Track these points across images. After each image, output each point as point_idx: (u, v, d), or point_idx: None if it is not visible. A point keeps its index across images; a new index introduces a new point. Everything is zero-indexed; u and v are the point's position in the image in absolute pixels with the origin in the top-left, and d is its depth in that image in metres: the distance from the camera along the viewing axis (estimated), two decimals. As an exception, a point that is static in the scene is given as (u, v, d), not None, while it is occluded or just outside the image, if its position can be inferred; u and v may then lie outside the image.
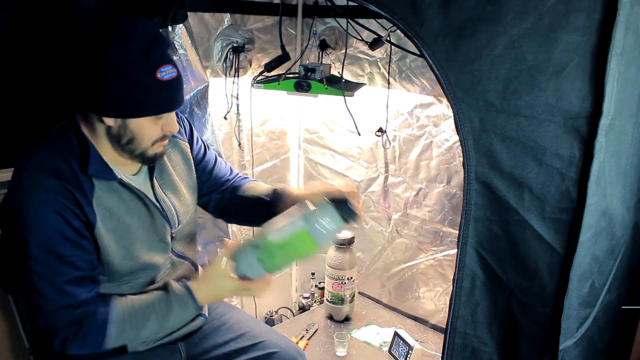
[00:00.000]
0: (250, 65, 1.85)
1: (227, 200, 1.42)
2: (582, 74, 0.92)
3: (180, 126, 1.32)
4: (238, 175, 1.47)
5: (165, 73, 1.04)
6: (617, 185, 1.03)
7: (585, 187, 0.95)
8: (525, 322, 1.06)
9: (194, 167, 1.34)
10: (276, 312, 2.22)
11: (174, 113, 1.13)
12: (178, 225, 1.26)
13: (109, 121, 1.06)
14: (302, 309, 2.21)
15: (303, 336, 1.92)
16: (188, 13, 1.51)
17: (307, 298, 2.23)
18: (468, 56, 0.97)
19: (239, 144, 1.97)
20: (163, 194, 1.23)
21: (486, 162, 1.00)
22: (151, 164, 1.19)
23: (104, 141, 1.10)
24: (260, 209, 1.34)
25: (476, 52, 0.96)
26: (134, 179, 1.18)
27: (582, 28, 0.90)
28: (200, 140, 1.39)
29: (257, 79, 1.81)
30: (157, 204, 1.20)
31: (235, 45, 1.73)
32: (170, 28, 1.48)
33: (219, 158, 1.44)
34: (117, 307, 1.11)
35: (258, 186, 1.41)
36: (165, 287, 1.16)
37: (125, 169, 1.16)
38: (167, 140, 1.15)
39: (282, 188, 1.36)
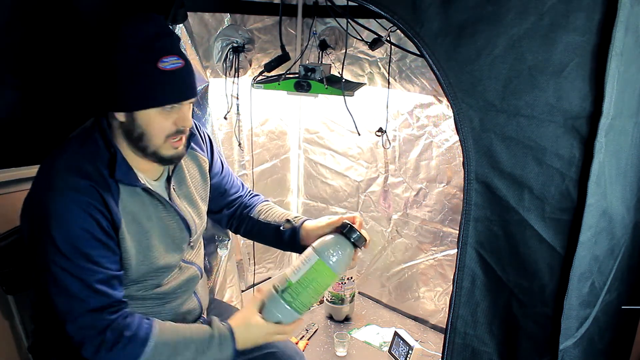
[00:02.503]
0: (250, 65, 1.85)
1: (238, 217, 1.45)
2: (582, 74, 0.92)
3: (202, 141, 1.34)
4: (249, 192, 1.49)
5: (168, 63, 1.03)
6: (617, 185, 1.03)
7: (585, 187, 0.95)
8: (525, 322, 1.06)
9: (209, 182, 1.36)
10: (276, 312, 2.21)
11: (186, 107, 1.11)
12: (195, 234, 1.28)
13: (120, 116, 1.06)
14: (302, 309, 2.21)
15: (303, 336, 1.92)
16: (188, 13, 1.51)
17: (307, 298, 2.23)
18: (468, 56, 0.97)
19: (239, 144, 1.97)
20: (181, 203, 1.24)
21: (486, 162, 1.00)
22: (168, 164, 1.18)
23: (123, 142, 1.10)
24: (271, 236, 1.39)
25: (476, 52, 0.96)
26: (154, 184, 1.18)
27: (582, 28, 0.90)
28: (219, 155, 1.41)
29: (257, 79, 1.81)
30: (179, 211, 1.22)
31: (235, 45, 1.73)
32: (170, 28, 1.48)
33: (232, 173, 1.47)
34: (159, 328, 1.10)
35: (271, 211, 1.43)
36: (209, 324, 1.16)
37: (146, 174, 1.16)
38: (182, 140, 1.13)
39: (295, 219, 1.37)
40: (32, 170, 1.51)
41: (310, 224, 1.33)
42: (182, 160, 1.24)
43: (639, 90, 1.01)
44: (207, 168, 1.34)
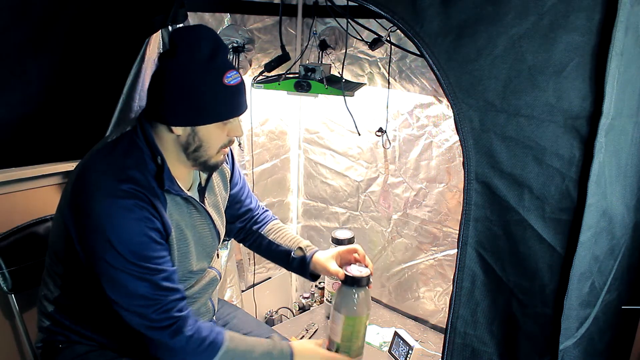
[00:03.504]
0: (250, 65, 1.85)
1: (247, 231, 1.49)
2: (582, 74, 0.92)
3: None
4: (259, 207, 1.53)
5: (232, 78, 1.07)
6: (617, 185, 1.03)
7: (585, 187, 0.95)
8: (525, 322, 1.06)
9: (229, 192, 1.39)
10: (276, 312, 2.22)
11: (238, 118, 1.14)
12: (220, 242, 1.32)
13: (178, 130, 1.08)
14: (302, 309, 2.21)
15: (303, 336, 1.92)
16: (188, 13, 1.51)
17: (307, 298, 2.23)
18: (468, 56, 0.97)
19: (239, 144, 1.97)
20: (212, 212, 1.27)
21: (486, 162, 1.00)
22: (211, 170, 1.22)
23: (170, 152, 1.12)
24: (278, 257, 1.47)
25: (476, 52, 0.96)
26: (189, 193, 1.20)
27: (582, 28, 0.90)
28: (238, 167, 1.44)
29: (257, 79, 1.81)
30: (214, 220, 1.25)
31: (235, 45, 1.73)
32: (170, 28, 1.48)
33: (247, 184, 1.50)
34: (229, 333, 1.15)
35: (281, 232, 1.48)
36: (271, 340, 1.24)
37: (181, 184, 1.17)
38: (228, 148, 1.18)
39: (306, 248, 1.44)
40: (33, 170, 1.52)
41: (320, 257, 1.41)
42: None
43: (639, 90, 1.01)
44: (229, 178, 1.38)
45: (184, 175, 1.18)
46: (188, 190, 1.20)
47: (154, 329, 1.07)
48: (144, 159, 1.09)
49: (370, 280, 1.35)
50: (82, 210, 1.05)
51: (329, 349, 1.37)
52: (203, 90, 1.04)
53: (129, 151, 1.09)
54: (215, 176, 1.31)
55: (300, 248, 1.44)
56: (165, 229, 1.10)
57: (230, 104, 1.09)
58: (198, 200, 1.20)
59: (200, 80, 1.04)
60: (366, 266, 1.39)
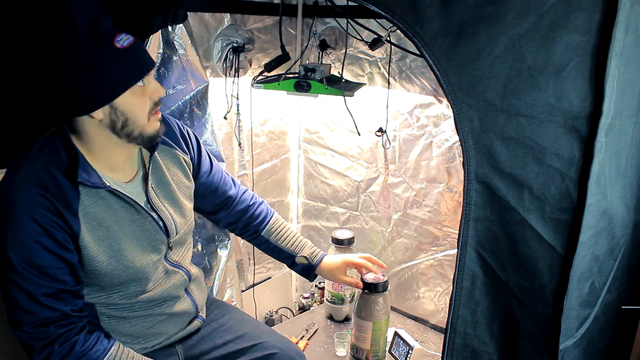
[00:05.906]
0: (250, 65, 1.85)
1: (242, 227, 1.50)
2: (582, 74, 0.92)
3: (184, 139, 1.32)
4: (246, 193, 1.51)
5: (123, 40, 1.02)
6: (617, 185, 1.03)
7: (585, 187, 0.95)
8: (525, 322, 1.06)
9: (192, 179, 1.33)
10: (276, 312, 2.22)
11: (152, 78, 1.10)
12: (176, 235, 1.25)
13: (98, 114, 1.03)
14: (302, 309, 2.21)
15: (303, 336, 1.92)
16: (188, 13, 1.51)
17: (307, 298, 2.23)
18: (468, 56, 0.97)
19: (239, 144, 1.97)
20: (160, 203, 1.21)
21: (486, 162, 1.00)
22: (152, 142, 1.14)
23: (100, 139, 1.07)
24: (281, 258, 1.52)
25: (476, 52, 0.96)
26: (126, 186, 1.15)
27: (582, 28, 0.90)
28: (207, 153, 1.40)
29: (257, 79, 1.81)
30: (152, 212, 1.18)
31: (235, 45, 1.73)
32: (170, 28, 1.48)
33: (222, 170, 1.46)
34: (115, 353, 1.11)
35: (284, 233, 1.50)
36: None
37: (117, 177, 1.13)
38: (159, 112, 1.13)
39: (311, 255, 1.49)
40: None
41: (327, 265, 1.48)
42: (159, 159, 1.22)
43: (639, 90, 1.01)
44: (190, 166, 1.32)
45: (122, 165, 1.13)
46: (129, 182, 1.15)
47: (27, 339, 1.05)
48: (58, 155, 1.05)
49: (388, 283, 1.47)
50: None
51: (357, 357, 1.42)
52: (99, 65, 0.99)
53: (42, 151, 1.06)
54: (168, 164, 1.25)
55: (305, 257, 1.48)
56: (71, 233, 1.05)
57: (132, 66, 1.03)
58: (124, 193, 1.12)
59: (92, 58, 0.98)
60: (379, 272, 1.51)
